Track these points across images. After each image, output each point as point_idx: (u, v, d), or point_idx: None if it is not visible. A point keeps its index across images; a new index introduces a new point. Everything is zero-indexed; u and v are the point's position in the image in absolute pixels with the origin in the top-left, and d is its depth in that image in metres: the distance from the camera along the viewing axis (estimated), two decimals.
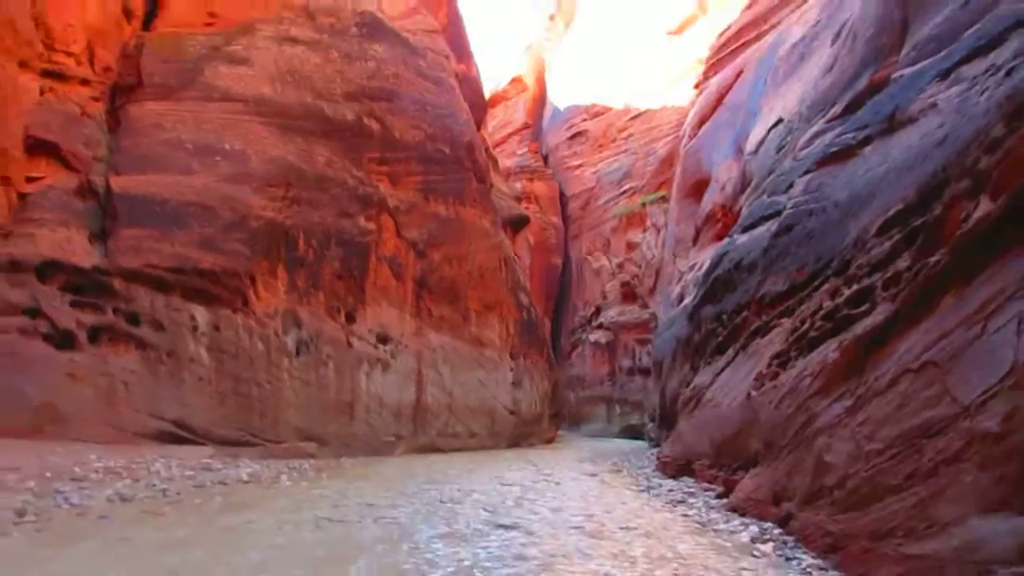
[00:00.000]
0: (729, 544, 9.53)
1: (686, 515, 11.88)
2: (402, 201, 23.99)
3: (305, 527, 9.47)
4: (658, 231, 47.03)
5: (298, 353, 19.56)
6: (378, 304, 22.65)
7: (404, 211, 23.95)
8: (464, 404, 26.31)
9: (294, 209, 20.12)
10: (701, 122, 42.64)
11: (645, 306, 46.38)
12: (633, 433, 41.59)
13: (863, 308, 9.00)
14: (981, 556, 5.84)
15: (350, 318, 21.59)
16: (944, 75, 9.78)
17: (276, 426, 18.53)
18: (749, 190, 25.25)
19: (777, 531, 9.76)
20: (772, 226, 16.21)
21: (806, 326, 11.05)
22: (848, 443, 8.19)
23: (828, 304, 10.34)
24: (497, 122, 68.88)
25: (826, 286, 11.07)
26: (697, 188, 41.27)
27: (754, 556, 8.66)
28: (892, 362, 7.74)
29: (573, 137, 62.40)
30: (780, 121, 24.58)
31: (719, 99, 40.22)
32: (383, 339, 22.75)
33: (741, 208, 26.05)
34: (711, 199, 35.99)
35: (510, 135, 68.18)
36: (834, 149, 14.28)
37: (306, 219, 20.40)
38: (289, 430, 18.88)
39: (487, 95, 53.30)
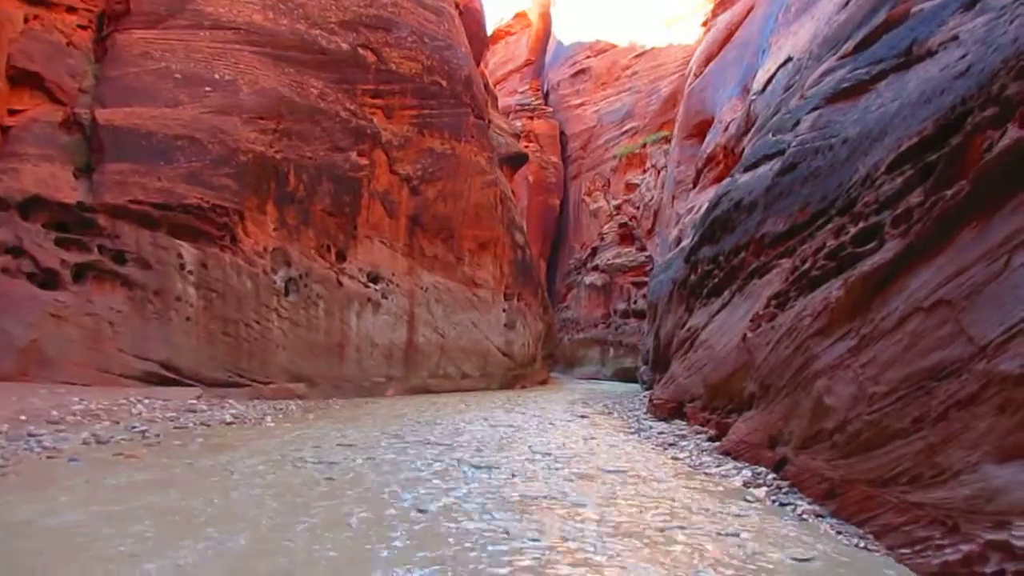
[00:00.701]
0: (721, 488, 9.29)
1: (676, 458, 11.73)
2: (396, 135, 23.25)
3: (285, 467, 9.22)
4: (658, 172, 46.36)
5: (287, 292, 19.13)
6: (370, 242, 22.14)
7: (398, 146, 23.24)
8: (456, 345, 26.05)
9: (285, 143, 19.43)
10: (708, 60, 41.66)
11: (643, 248, 46.02)
12: (626, 376, 41.66)
13: (870, 246, 8.59)
14: (996, 506, 5.40)
15: (341, 256, 21.10)
16: (969, 5, 9.32)
17: (265, 367, 18.20)
18: (753, 130, 24.58)
19: (771, 476, 9.51)
20: (775, 165, 15.69)
21: (807, 265, 10.68)
22: (850, 385, 7.79)
23: (832, 243, 9.95)
24: (499, 58, 67.36)
25: (830, 225, 10.69)
26: (700, 129, 40.56)
27: (746, 501, 8.45)
28: (901, 300, 7.28)
29: (576, 75, 61.15)
30: (789, 60, 23.78)
31: (727, 37, 39.16)
32: (374, 278, 22.31)
33: (744, 149, 25.45)
34: (713, 140, 35.32)
35: (512, 72, 66.71)
36: (845, 85, 13.69)
37: (297, 153, 19.72)
38: (278, 371, 18.56)
39: (490, 30, 51.91)
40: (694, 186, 37.13)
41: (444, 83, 25.14)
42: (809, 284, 10.26)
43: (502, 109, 47.41)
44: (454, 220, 25.81)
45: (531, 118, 58.52)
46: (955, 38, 9.81)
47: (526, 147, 46.36)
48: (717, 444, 12.38)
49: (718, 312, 15.58)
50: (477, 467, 9.88)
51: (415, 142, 23.98)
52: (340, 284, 20.77)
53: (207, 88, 18.35)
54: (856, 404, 7.49)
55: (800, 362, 9.43)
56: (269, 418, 13.76)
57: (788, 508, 8.00)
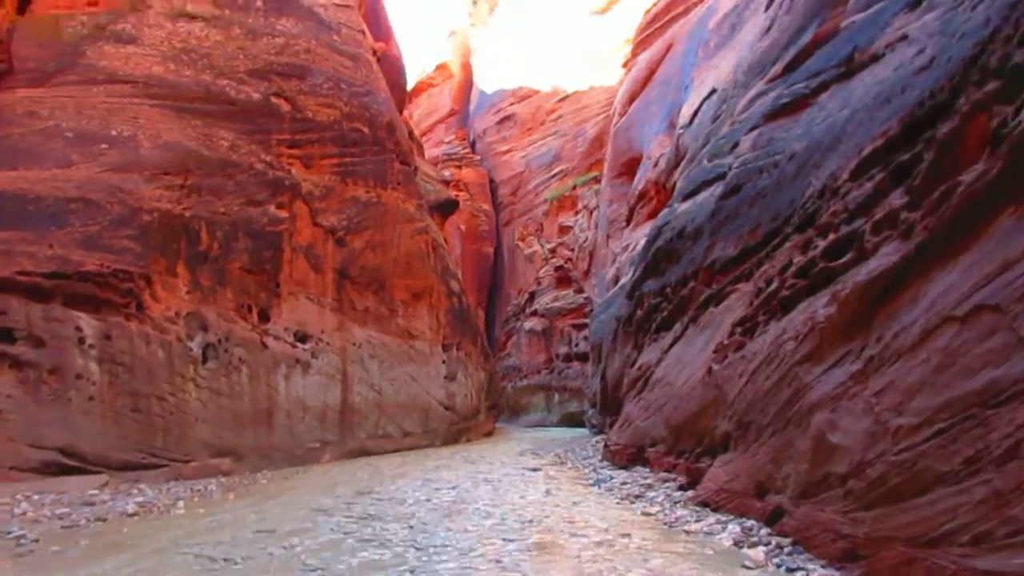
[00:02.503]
0: (709, 551, 7.91)
1: (647, 513, 10.41)
2: (317, 185, 22.04)
3: (180, 570, 7.57)
4: (590, 213, 46.13)
5: (205, 359, 17.53)
6: (295, 299, 20.71)
7: (320, 196, 22.01)
8: (395, 402, 24.62)
9: (194, 199, 18.02)
10: (631, 99, 41.80)
11: (580, 290, 45.52)
12: (573, 421, 40.70)
13: (846, 258, 7.75)
14: None
15: (264, 316, 19.61)
16: (913, 5, 8.86)
17: (183, 443, 16.47)
18: (684, 163, 24.24)
19: (765, 531, 8.23)
20: (716, 189, 15.10)
21: (774, 286, 9.83)
22: (862, 419, 6.57)
23: (799, 259, 9.11)
24: (422, 110, 67.08)
25: (789, 243, 9.93)
26: (629, 167, 40.48)
27: (745, 568, 7.05)
28: (919, 312, 6.12)
29: (501, 122, 61.12)
30: (714, 91, 23.62)
31: (649, 75, 39.35)
32: (302, 337, 20.85)
33: (675, 183, 25.09)
34: (644, 176, 35.13)
35: (436, 123, 66.45)
36: (784, 100, 13.19)
37: (208, 209, 18.32)
38: (198, 447, 16.86)
39: (412, 84, 51.40)
40: (627, 223, 36.86)
41: (365, 129, 24.14)
42: (781, 306, 9.38)
43: (429, 160, 46.69)
44: (384, 271, 24.57)
45: (459, 167, 58.04)
46: (904, 37, 9.27)
47: (456, 196, 45.63)
48: (691, 493, 11.08)
49: (671, 346, 14.70)
50: (419, 548, 8.41)
51: (338, 191, 22.81)
52: (264, 346, 19.26)
53: (103, 145, 16.92)
54: (875, 441, 6.22)
55: (788, 394, 8.32)
56: (182, 503, 11.97)
57: (800, 575, 6.72)
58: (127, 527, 10.08)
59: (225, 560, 7.87)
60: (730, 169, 14.73)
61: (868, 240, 7.18)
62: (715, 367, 11.14)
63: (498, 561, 7.62)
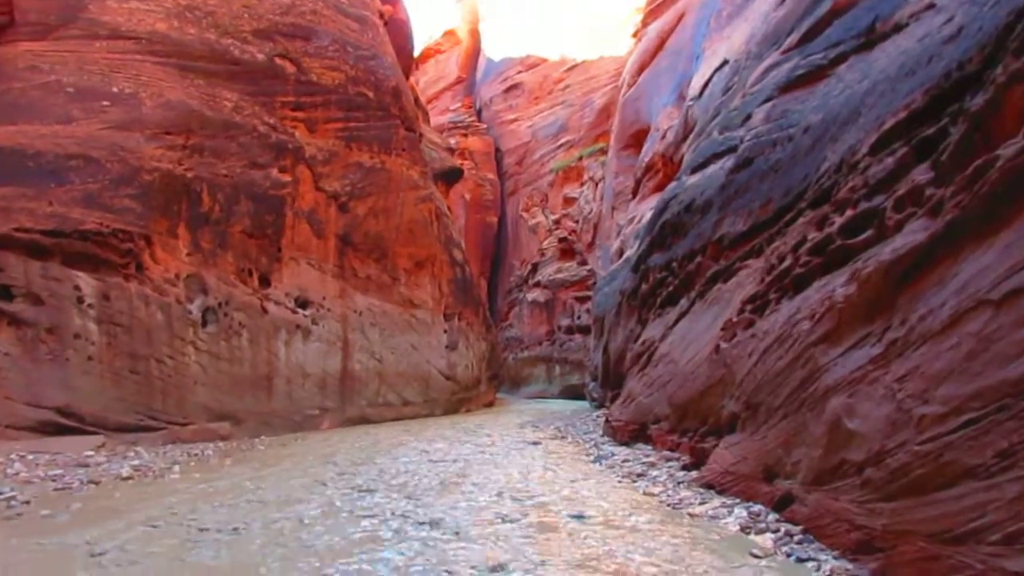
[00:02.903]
0: (715, 536, 7.51)
1: (650, 493, 10.01)
2: (320, 150, 21.72)
3: (170, 541, 7.22)
4: (596, 185, 45.73)
5: (205, 323, 17.35)
6: (297, 265, 20.49)
7: (323, 161, 21.70)
8: (395, 370, 24.50)
9: (196, 160, 17.73)
10: (640, 70, 41.20)
11: (584, 263, 45.28)
12: (574, 394, 40.68)
13: (864, 235, 7.42)
14: None
15: (264, 281, 19.40)
16: None
17: (182, 406, 16.37)
18: (692, 136, 23.87)
19: (773, 517, 7.79)
20: (727, 162, 14.77)
21: (787, 263, 9.47)
22: (883, 405, 6.10)
23: (814, 236, 8.75)
24: (429, 77, 66.31)
25: (803, 219, 9.61)
26: (636, 139, 40.01)
27: (754, 556, 6.67)
28: (948, 294, 5.68)
29: (508, 90, 60.52)
30: (726, 63, 23.17)
31: (659, 45, 38.72)
32: (303, 303, 20.67)
33: (683, 156, 24.72)
34: (651, 148, 34.68)
35: (443, 90, 65.76)
36: (800, 72, 12.84)
37: (210, 171, 18.03)
38: (197, 410, 16.75)
39: (419, 50, 50.70)
40: (633, 196, 36.49)
41: (371, 94, 23.75)
42: (794, 284, 9.03)
43: (435, 128, 46.22)
44: (387, 238, 24.32)
45: (465, 135, 57.54)
46: (930, 6, 8.96)
47: (461, 164, 45.22)
48: (695, 474, 10.69)
49: (676, 322, 14.46)
50: (417, 523, 8.08)
51: (342, 156, 22.48)
52: (265, 311, 19.08)
53: (105, 102, 16.58)
54: (897, 429, 5.77)
55: (801, 376, 7.88)
56: (177, 468, 11.80)
57: (811, 567, 6.26)
58: (120, 491, 9.92)
59: (219, 531, 7.66)
60: (742, 142, 14.39)
61: (890, 217, 6.86)
62: (723, 345, 10.82)
63: (497, 541, 7.33)
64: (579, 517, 8.50)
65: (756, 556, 6.65)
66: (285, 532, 7.70)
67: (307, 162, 21.08)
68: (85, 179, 15.42)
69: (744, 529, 7.63)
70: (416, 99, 33.10)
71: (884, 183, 7.25)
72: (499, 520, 8.32)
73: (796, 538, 6.96)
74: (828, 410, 7.00)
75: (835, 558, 6.29)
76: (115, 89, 16.98)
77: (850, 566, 6.04)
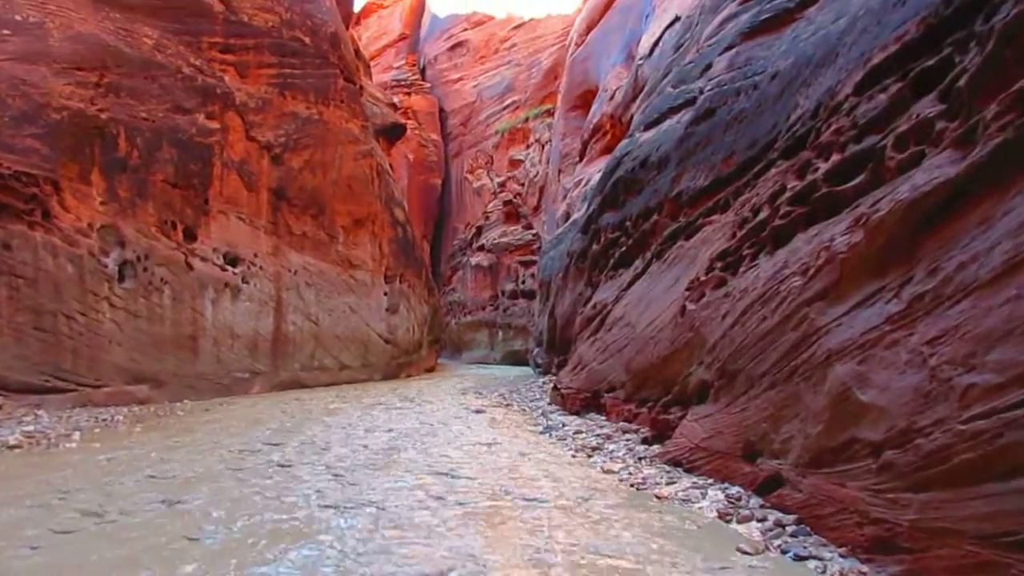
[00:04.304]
0: (690, 526, 6.41)
1: (609, 471, 8.90)
2: (252, 96, 20.27)
3: (38, 528, 5.98)
4: (542, 147, 44.88)
5: (122, 278, 15.98)
6: (225, 218, 19.12)
7: (255, 108, 20.27)
8: (332, 333, 23.38)
9: (111, 100, 16.19)
10: (589, 29, 40.25)
11: (529, 226, 44.52)
12: (517, 359, 40.15)
13: (857, 180, 6.63)
14: None
15: (189, 235, 18.01)
16: None
17: (95, 367, 15.05)
18: (643, 95, 23.10)
19: (756, 502, 6.80)
20: (684, 116, 14.01)
21: (763, 215, 8.69)
22: (909, 373, 5.03)
23: (795, 184, 7.97)
24: (372, 32, 63.98)
25: (775, 169, 8.89)
26: (584, 100, 39.13)
27: (740, 552, 5.60)
28: (998, 235, 4.64)
29: (453, 48, 58.95)
30: (677, 19, 22.43)
31: (608, 4, 37.80)
32: (233, 260, 19.35)
33: (632, 116, 23.98)
34: (599, 109, 33.88)
35: (386, 47, 63.50)
36: (766, 16, 12.10)
37: (128, 113, 16.51)
38: (113, 371, 15.46)
39: (361, 4, 48.91)
40: (581, 159, 35.74)
41: (307, 39, 22.31)
42: (773, 237, 8.20)
43: (377, 85, 44.54)
44: (324, 193, 23.02)
45: (408, 94, 55.78)
46: None
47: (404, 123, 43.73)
48: (658, 449, 9.66)
49: (631, 284, 13.71)
50: (336, 508, 6.90)
51: (275, 105, 21.06)
52: (190, 267, 17.73)
53: (5, 31, 14.89)
54: (930, 403, 4.71)
55: (793, 339, 6.84)
56: (77, 435, 10.50)
57: (814, 567, 5.21)
58: (2, 463, 8.76)
59: (99, 516, 6.46)
60: (701, 93, 13.64)
61: (890, 158, 6.05)
62: (690, 306, 9.95)
63: (437, 534, 6.12)
64: (531, 501, 7.35)
65: (744, 552, 5.61)
66: (174, 521, 6.36)
67: (237, 109, 19.64)
68: None
69: (723, 516, 6.63)
70: (357, 51, 31.56)
71: (877, 122, 6.52)
72: (439, 504, 7.17)
73: (789, 529, 5.96)
74: (831, 379, 6.00)
75: (843, 556, 5.29)
76: (18, 17, 15.29)
77: (864, 568, 4.98)
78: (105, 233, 15.75)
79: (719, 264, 9.44)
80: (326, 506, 7.04)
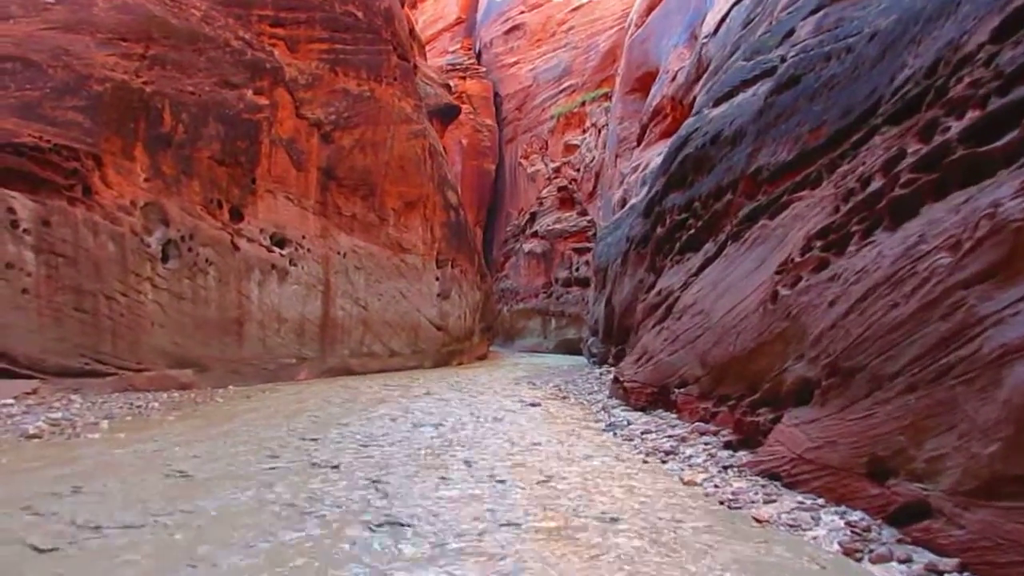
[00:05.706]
0: (810, 563, 5.15)
1: (691, 482, 7.67)
2: (302, 72, 19.56)
3: (22, 540, 5.16)
4: (599, 132, 43.57)
5: (166, 258, 15.43)
6: (273, 198, 18.49)
7: (305, 85, 19.57)
8: (382, 318, 22.68)
9: (157, 72, 15.61)
10: (649, 10, 38.78)
11: (584, 213, 43.37)
12: (570, 348, 39.10)
13: (1008, 137, 5.46)
14: None
15: (236, 215, 17.41)
16: None
17: (136, 350, 14.54)
18: (707, 74, 21.80)
19: (888, 533, 5.49)
20: (761, 87, 12.77)
21: (875, 185, 7.43)
22: None
23: (917, 148, 6.79)
24: (428, 17, 63.32)
25: (879, 136, 7.70)
26: (643, 83, 37.73)
27: None
28: None
29: (509, 32, 57.79)
30: None
31: None
32: (280, 241, 18.72)
33: (695, 98, 22.71)
34: (659, 91, 32.48)
35: (442, 31, 62.81)
36: None
37: (174, 87, 15.91)
38: (155, 355, 14.93)
39: None
40: (638, 143, 34.46)
41: (360, 14, 21.52)
42: (892, 210, 6.94)
43: (432, 67, 43.80)
44: (375, 174, 22.27)
45: (463, 78, 54.94)
46: None
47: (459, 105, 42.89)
48: (747, 457, 8.35)
49: (702, 268, 12.55)
50: (373, 528, 5.79)
51: (326, 81, 20.34)
52: (236, 248, 17.15)
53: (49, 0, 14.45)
54: None
55: (943, 331, 5.51)
56: (106, 423, 9.83)
57: None
58: (8, 456, 7.94)
59: (93, 528, 5.54)
60: (783, 61, 12.41)
61: None
62: (783, 292, 8.70)
63: (491, 557, 5.12)
64: (607, 520, 6.15)
65: None
66: (176, 541, 5.33)
67: (287, 85, 18.95)
68: (22, 85, 13.35)
69: (851, 553, 5.31)
70: (411, 30, 30.77)
71: None
72: (492, 521, 6.07)
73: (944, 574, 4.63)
74: (1010, 384, 4.71)
75: None
76: None
77: None
78: (148, 211, 15.22)
79: (818, 243, 8.19)
80: (361, 521, 6.02)
